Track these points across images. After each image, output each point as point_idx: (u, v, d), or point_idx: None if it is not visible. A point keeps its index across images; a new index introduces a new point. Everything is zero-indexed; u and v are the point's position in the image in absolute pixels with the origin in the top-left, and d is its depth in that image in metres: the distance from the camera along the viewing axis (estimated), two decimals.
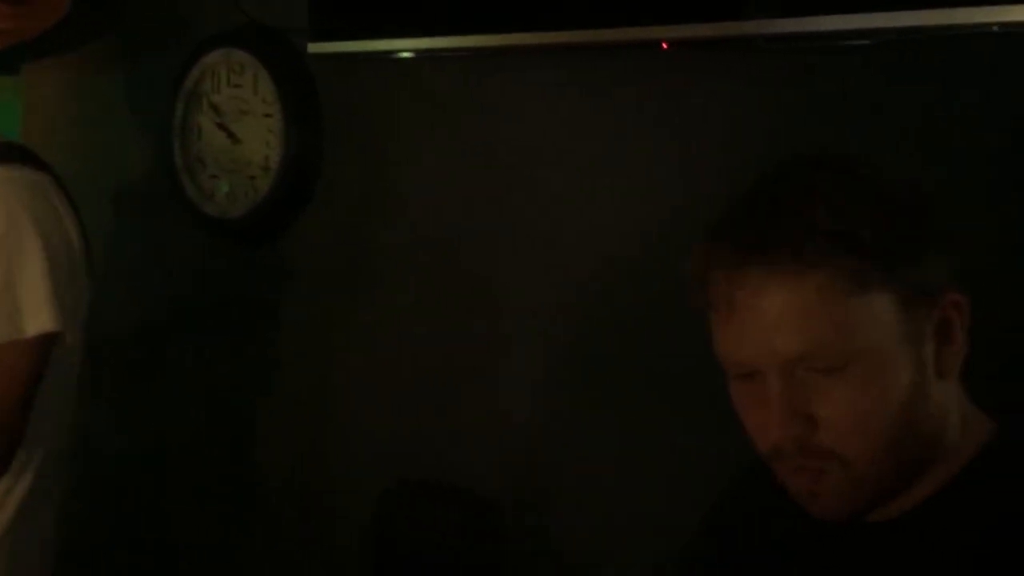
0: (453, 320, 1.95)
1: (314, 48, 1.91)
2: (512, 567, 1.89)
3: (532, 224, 1.87)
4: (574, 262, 1.83)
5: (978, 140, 1.41)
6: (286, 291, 2.14)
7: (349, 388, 2.08)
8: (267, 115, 2.04)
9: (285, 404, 2.16)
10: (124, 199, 2.33)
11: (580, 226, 1.82)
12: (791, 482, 0.92)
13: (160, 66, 2.22)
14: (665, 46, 1.60)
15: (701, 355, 1.65)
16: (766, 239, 0.87)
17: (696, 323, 1.67)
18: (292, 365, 2.15)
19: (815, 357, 0.87)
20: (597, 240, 1.81)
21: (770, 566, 1.01)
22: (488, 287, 1.91)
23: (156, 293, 2.29)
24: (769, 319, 0.87)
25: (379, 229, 2.02)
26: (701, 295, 0.95)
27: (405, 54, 1.88)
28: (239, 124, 2.09)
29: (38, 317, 1.60)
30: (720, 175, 1.66)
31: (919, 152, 1.44)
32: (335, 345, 2.09)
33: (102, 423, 2.28)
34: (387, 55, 1.89)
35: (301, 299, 2.13)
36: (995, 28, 1.28)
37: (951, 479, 0.90)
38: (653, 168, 1.73)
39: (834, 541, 0.95)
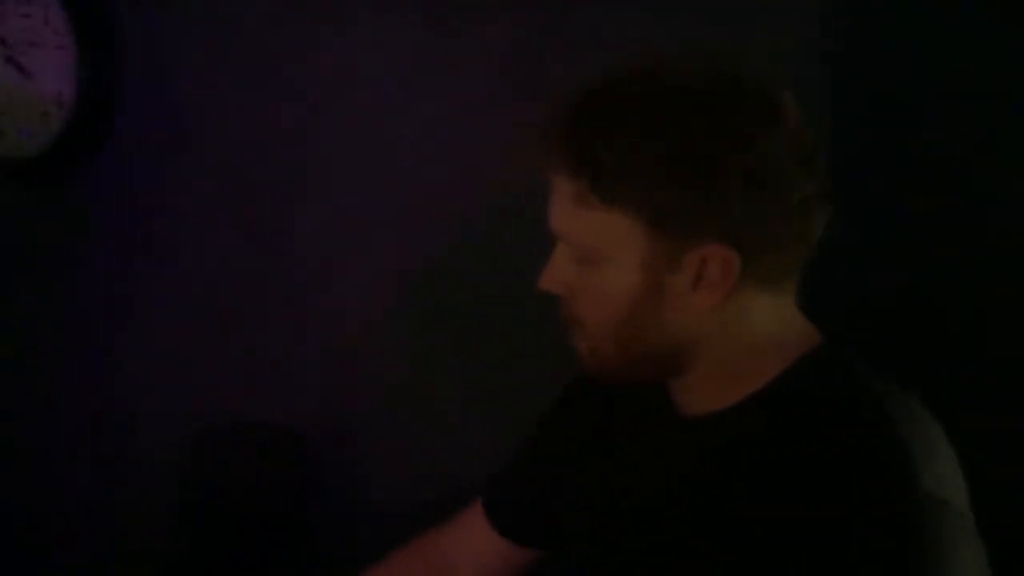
0: (256, 256, 1.92)
1: None
2: (321, 500, 1.88)
3: (338, 160, 1.85)
4: (377, 195, 1.82)
5: None
6: (83, 233, 2.05)
7: (151, 329, 2.02)
8: (59, 47, 1.93)
9: (82, 350, 2.08)
10: None
11: (384, 159, 1.81)
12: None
13: None
14: None
15: (507, 285, 1.72)
16: (550, 140, 0.97)
17: (505, 255, 1.74)
18: (90, 309, 2.07)
19: (567, 243, 0.99)
20: (401, 172, 1.80)
21: (597, 453, 1.10)
22: (291, 224, 1.89)
23: None
24: (550, 199, 0.99)
25: (183, 165, 1.95)
26: None
27: None
28: (29, 57, 1.97)
29: None
30: (512, 104, 1.69)
31: None
32: (137, 285, 2.02)
33: None
34: None
35: (99, 240, 2.04)
36: None
37: (755, 390, 0.98)
38: (451, 99, 1.73)
39: (658, 431, 1.05)
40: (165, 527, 1.96)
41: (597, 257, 0.97)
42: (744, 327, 0.98)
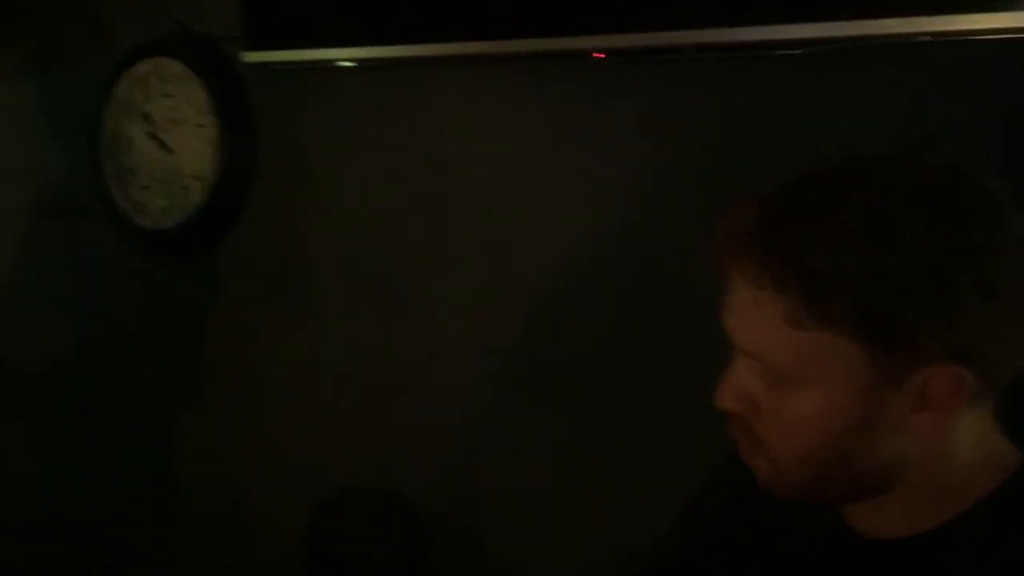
0: (386, 330, 1.96)
1: (248, 57, 1.91)
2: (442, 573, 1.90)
3: (468, 234, 1.88)
4: (507, 273, 1.84)
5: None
6: (219, 302, 2.12)
7: (282, 398, 2.07)
8: (200, 125, 2.02)
9: (217, 416, 2.14)
10: (46, 213, 2.30)
11: (514, 236, 1.83)
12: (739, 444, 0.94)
13: (80, 76, 2.19)
14: (598, 56, 1.63)
15: (631, 366, 1.72)
16: (748, 247, 0.86)
17: (623, 335, 1.74)
18: (225, 377, 2.13)
19: (761, 363, 0.88)
20: (530, 251, 1.82)
21: (761, 563, 1.00)
22: (422, 298, 1.92)
23: (83, 307, 2.25)
24: (734, 311, 0.89)
25: (314, 239, 2.01)
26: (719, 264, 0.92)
27: (341, 63, 1.87)
28: (171, 134, 2.06)
29: None
30: (652, 181, 1.71)
31: None
32: (269, 356, 2.07)
33: (20, 440, 2.24)
34: (321, 64, 1.88)
35: (235, 310, 2.10)
36: (926, 38, 1.34)
37: (961, 512, 0.89)
38: (590, 174, 1.75)
39: (828, 552, 0.95)
40: None
41: (798, 379, 0.86)
42: (950, 445, 0.88)
